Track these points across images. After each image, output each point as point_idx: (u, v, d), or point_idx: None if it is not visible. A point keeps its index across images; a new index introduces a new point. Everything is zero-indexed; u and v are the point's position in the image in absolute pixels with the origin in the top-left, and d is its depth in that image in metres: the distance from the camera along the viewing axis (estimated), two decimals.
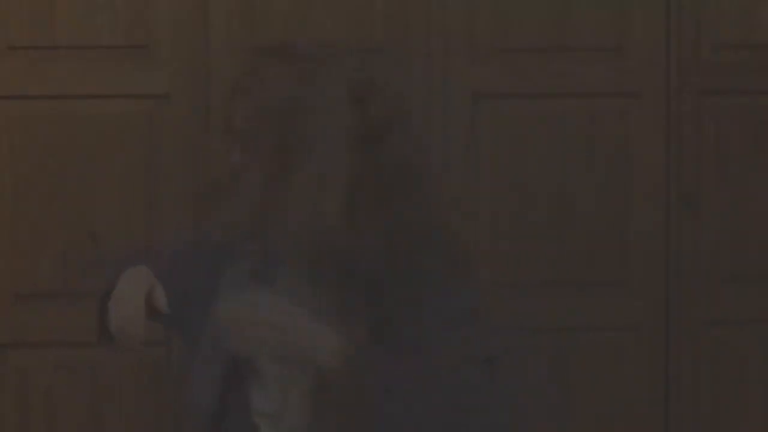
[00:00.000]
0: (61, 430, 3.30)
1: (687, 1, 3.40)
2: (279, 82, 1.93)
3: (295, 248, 1.92)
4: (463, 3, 3.35)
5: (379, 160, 1.94)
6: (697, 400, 3.47)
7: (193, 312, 2.02)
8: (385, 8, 3.33)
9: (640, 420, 3.45)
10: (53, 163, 3.27)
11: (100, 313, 2.07)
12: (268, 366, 1.95)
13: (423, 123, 3.34)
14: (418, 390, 1.86)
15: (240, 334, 1.87)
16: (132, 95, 3.26)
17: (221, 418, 2.00)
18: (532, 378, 3.41)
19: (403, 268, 1.91)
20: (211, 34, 3.28)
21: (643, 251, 3.42)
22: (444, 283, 1.92)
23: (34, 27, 3.25)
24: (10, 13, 3.24)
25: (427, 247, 1.94)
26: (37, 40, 3.25)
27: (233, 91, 2.00)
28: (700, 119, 3.43)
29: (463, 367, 1.88)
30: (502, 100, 3.38)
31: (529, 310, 3.39)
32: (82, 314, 3.21)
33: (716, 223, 3.45)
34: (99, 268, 2.11)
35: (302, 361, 1.89)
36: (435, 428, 1.86)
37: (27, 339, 3.29)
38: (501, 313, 3.38)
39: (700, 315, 3.45)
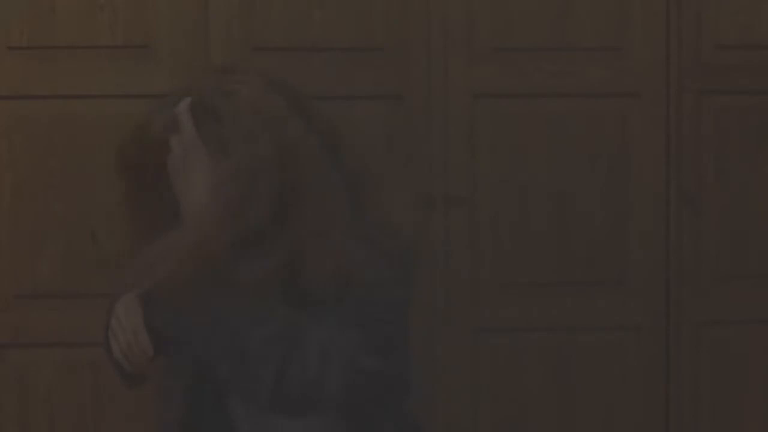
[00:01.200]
0: (61, 430, 3.30)
1: (687, 1, 3.40)
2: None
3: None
4: (463, 3, 3.35)
5: (341, 169, 1.94)
6: (697, 400, 3.47)
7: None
8: (385, 8, 3.33)
9: (640, 420, 3.45)
10: (53, 163, 3.27)
11: (106, 347, 2.07)
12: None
13: (423, 123, 3.35)
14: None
15: None
16: (132, 95, 3.26)
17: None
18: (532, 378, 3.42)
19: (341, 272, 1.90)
20: (211, 34, 3.28)
21: (643, 251, 3.42)
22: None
23: (34, 27, 3.25)
24: (10, 13, 3.24)
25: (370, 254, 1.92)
26: (37, 40, 3.25)
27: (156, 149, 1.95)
28: (700, 119, 3.43)
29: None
30: (502, 100, 3.38)
31: (529, 310, 3.40)
32: (81, 314, 3.23)
33: (716, 223, 3.45)
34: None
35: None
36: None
37: (27, 339, 3.29)
38: (501, 313, 3.40)
39: (700, 315, 3.45)
